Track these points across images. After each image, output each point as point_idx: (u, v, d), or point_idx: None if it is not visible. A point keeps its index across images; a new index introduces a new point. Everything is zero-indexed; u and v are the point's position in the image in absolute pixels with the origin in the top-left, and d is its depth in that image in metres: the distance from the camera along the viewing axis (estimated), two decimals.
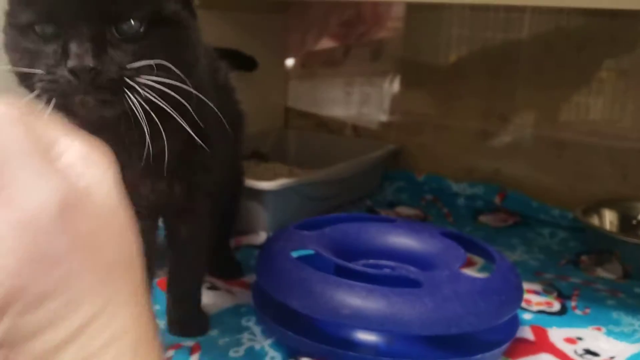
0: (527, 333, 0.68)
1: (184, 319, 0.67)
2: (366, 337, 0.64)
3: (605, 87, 1.06)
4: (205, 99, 0.50)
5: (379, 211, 1.14)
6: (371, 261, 0.75)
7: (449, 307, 0.56)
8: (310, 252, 0.70)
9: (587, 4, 0.92)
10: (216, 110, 0.52)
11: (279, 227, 0.93)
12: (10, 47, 0.45)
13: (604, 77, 1.06)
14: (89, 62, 0.42)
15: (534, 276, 0.86)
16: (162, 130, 0.46)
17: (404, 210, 1.16)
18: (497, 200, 1.14)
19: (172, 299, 0.67)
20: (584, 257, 0.94)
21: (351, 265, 0.65)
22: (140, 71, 0.44)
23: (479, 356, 0.59)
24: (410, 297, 0.57)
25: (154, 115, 0.45)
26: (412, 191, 1.23)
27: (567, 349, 0.65)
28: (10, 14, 0.46)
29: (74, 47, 0.42)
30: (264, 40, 1.31)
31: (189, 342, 0.66)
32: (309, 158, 1.33)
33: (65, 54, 0.42)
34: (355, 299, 0.57)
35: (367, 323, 0.56)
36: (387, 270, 0.74)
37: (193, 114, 0.48)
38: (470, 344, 0.62)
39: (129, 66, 0.44)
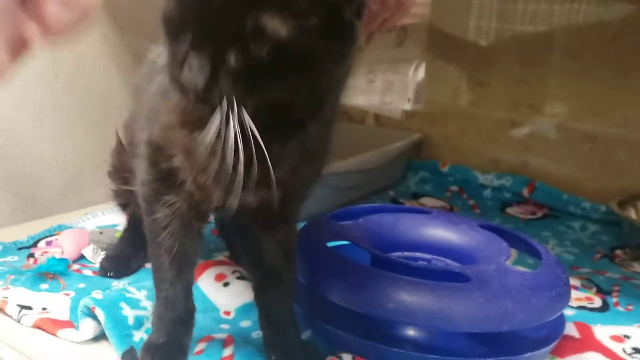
0: (571, 330, 0.66)
1: (287, 349, 0.58)
2: (408, 332, 0.61)
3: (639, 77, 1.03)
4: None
5: (403, 202, 1.12)
6: (406, 253, 0.73)
7: (500, 303, 0.54)
8: (345, 242, 0.68)
9: None
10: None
11: (305, 216, 0.91)
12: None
13: (639, 67, 1.02)
14: (199, 80, 0.42)
15: (570, 270, 0.84)
16: None
17: (428, 201, 1.14)
18: (525, 192, 1.11)
19: (268, 323, 0.59)
20: (618, 252, 0.92)
21: (391, 256, 0.62)
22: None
23: (527, 355, 0.56)
24: (458, 292, 0.54)
25: None
26: (437, 182, 1.21)
27: (615, 347, 0.62)
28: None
29: (192, 59, 0.42)
30: None
31: (221, 335, 0.63)
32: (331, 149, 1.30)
33: (185, 58, 0.43)
34: (401, 293, 0.54)
35: (413, 318, 0.54)
36: (423, 263, 0.72)
37: None
38: (517, 341, 0.59)
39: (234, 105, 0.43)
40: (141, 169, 0.55)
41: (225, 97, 0.42)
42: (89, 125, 0.96)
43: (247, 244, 0.59)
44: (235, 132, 0.42)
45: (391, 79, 1.30)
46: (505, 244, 0.66)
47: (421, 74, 1.28)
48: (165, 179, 0.53)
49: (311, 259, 0.62)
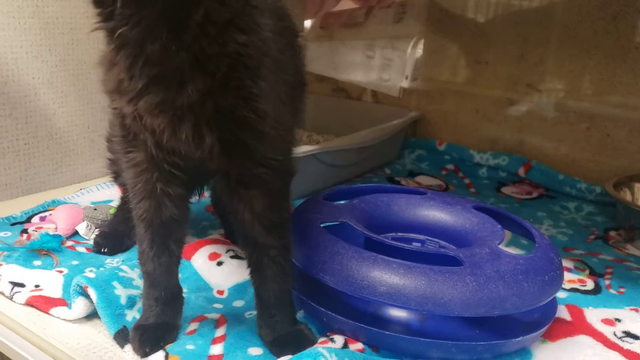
0: (563, 313, 0.66)
1: (278, 332, 0.57)
2: (399, 314, 0.61)
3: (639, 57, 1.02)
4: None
5: (399, 180, 1.12)
6: (400, 234, 0.73)
7: (492, 288, 0.54)
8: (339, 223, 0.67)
9: None
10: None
11: (300, 194, 0.91)
12: None
13: (639, 47, 1.01)
14: None
15: (564, 252, 0.84)
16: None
17: (424, 179, 1.13)
18: (521, 171, 1.11)
19: (260, 304, 0.58)
20: (612, 233, 0.92)
21: (384, 239, 0.62)
22: None
23: (519, 338, 0.56)
24: (451, 276, 0.54)
25: None
26: (433, 160, 1.21)
27: (606, 330, 0.63)
28: None
29: None
30: None
31: (214, 315, 0.64)
32: (327, 123, 1.29)
33: None
34: (393, 277, 0.54)
35: (406, 302, 0.54)
36: (417, 245, 0.72)
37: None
38: (508, 325, 0.59)
39: None
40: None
41: None
42: (83, 99, 0.95)
43: (233, 218, 0.57)
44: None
45: (390, 56, 1.29)
46: (499, 226, 0.66)
47: (420, 51, 1.26)
48: (127, 135, 0.52)
49: (304, 239, 0.62)
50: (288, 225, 0.57)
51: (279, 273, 0.56)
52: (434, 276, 0.54)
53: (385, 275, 0.55)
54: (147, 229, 0.55)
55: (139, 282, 0.66)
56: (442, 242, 0.71)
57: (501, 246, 0.62)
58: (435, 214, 0.72)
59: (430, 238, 0.72)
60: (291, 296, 0.59)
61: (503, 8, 1.14)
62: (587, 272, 0.78)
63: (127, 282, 0.65)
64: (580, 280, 0.76)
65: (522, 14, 1.12)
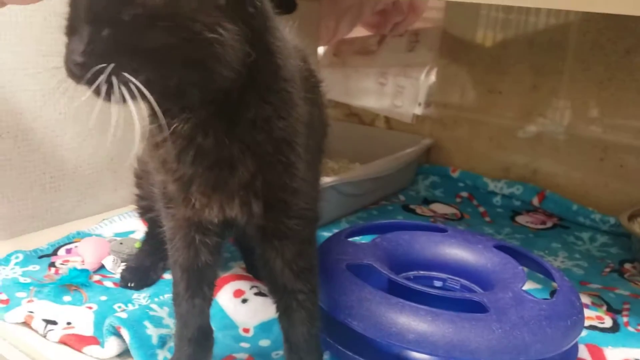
0: (583, 353, 0.67)
1: None
2: (425, 358, 0.63)
3: None
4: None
5: (414, 208, 1.13)
6: (422, 272, 0.74)
7: (517, 335, 0.55)
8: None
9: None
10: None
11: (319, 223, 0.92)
12: None
13: None
14: (76, 56, 0.42)
15: (580, 286, 0.86)
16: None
17: (439, 207, 1.15)
18: (535, 200, 1.13)
19: (289, 348, 0.60)
20: (627, 266, 0.93)
21: (409, 283, 0.64)
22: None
23: None
24: (478, 323, 0.56)
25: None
26: (447, 187, 1.22)
27: None
28: None
29: (70, 41, 0.44)
30: (293, 23, 1.28)
31: (242, 354, 0.65)
32: (341, 149, 1.31)
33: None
34: (421, 324, 0.56)
35: (434, 350, 0.55)
36: (439, 283, 0.74)
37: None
38: None
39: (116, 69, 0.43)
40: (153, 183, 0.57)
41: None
42: (107, 132, 0.97)
43: (260, 262, 0.59)
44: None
45: (402, 83, 1.31)
46: (520, 268, 0.68)
47: (433, 78, 1.28)
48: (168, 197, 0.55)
49: (330, 282, 0.63)
50: (315, 270, 0.60)
51: (307, 317, 0.58)
52: (460, 323, 0.56)
53: (414, 323, 0.56)
54: (183, 273, 0.58)
55: (169, 321, 0.68)
56: (464, 282, 0.72)
57: (524, 289, 0.64)
58: (457, 252, 0.74)
59: (451, 277, 0.73)
60: (319, 339, 0.61)
61: (516, 39, 1.16)
62: (605, 308, 0.79)
63: (157, 322, 0.67)
64: (598, 317, 0.77)
65: (535, 46, 1.14)
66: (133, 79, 0.42)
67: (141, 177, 0.80)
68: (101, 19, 0.42)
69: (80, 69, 0.42)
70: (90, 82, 0.42)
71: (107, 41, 0.41)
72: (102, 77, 0.42)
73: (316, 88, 0.61)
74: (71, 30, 0.43)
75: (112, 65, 0.41)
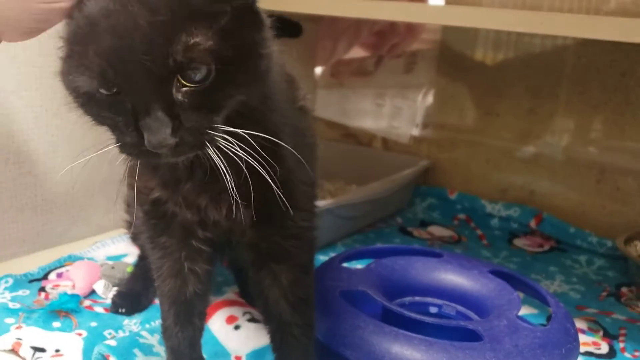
0: None
1: None
2: None
3: None
4: (285, 144, 0.48)
5: (411, 231, 1.13)
6: (418, 298, 0.74)
7: None
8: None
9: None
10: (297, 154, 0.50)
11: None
12: (79, 106, 0.43)
13: None
14: (169, 140, 0.40)
15: (577, 310, 0.85)
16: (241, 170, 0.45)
17: (436, 230, 1.14)
18: (532, 223, 1.12)
19: None
20: (624, 290, 0.92)
21: (403, 311, 0.63)
22: (216, 124, 0.43)
23: None
24: (471, 353, 0.55)
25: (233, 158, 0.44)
26: (444, 209, 1.21)
27: None
28: (65, 79, 0.43)
29: (146, 124, 0.40)
30: (292, 46, 1.29)
31: None
32: (338, 170, 1.31)
33: (138, 128, 0.41)
34: (415, 353, 0.55)
35: None
36: (434, 309, 0.73)
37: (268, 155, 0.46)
38: None
39: (206, 130, 0.42)
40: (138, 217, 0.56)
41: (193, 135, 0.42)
42: (101, 154, 0.96)
43: (255, 290, 0.59)
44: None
45: (400, 105, 1.31)
46: (515, 294, 0.67)
47: (430, 100, 1.28)
48: (158, 222, 0.54)
49: (324, 309, 0.62)
50: (312, 301, 0.59)
51: (302, 352, 0.57)
52: (454, 352, 0.55)
53: (407, 352, 0.55)
54: (171, 306, 0.56)
55: (159, 349, 0.67)
56: (460, 308, 0.72)
57: (518, 315, 0.63)
58: (452, 278, 0.73)
59: (447, 302, 0.73)
60: None
61: (513, 62, 1.16)
62: (601, 333, 0.78)
63: (148, 350, 0.66)
64: (595, 343, 0.76)
65: (532, 68, 1.14)
66: (219, 135, 0.42)
67: (130, 205, 0.79)
68: (170, 90, 0.40)
69: (173, 149, 0.41)
70: (180, 154, 0.42)
71: (191, 115, 0.41)
72: (197, 150, 0.42)
73: (303, 111, 0.61)
74: (123, 106, 0.41)
75: (205, 135, 0.42)
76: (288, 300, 0.56)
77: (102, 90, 0.40)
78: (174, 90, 0.40)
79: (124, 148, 0.43)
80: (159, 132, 0.40)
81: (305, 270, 0.57)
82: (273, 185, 0.48)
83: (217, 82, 0.41)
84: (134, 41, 0.38)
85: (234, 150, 0.43)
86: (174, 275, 0.55)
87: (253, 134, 0.45)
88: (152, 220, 0.54)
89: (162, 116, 0.40)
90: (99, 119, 0.43)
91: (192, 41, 0.39)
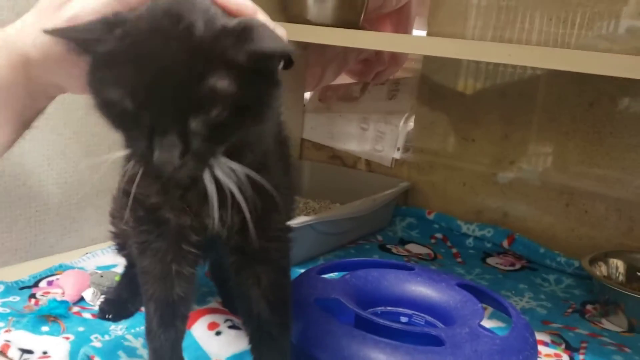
0: None
1: None
2: None
3: (614, 140, 1.09)
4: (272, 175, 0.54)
5: (390, 248, 1.17)
6: (389, 308, 0.78)
7: None
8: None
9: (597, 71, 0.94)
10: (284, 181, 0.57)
11: (295, 261, 0.95)
12: (98, 108, 0.48)
13: (614, 132, 1.09)
14: (174, 161, 0.45)
15: (542, 325, 0.89)
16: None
17: (414, 248, 1.19)
18: (505, 243, 1.17)
19: None
20: (589, 307, 0.97)
21: (373, 317, 0.67)
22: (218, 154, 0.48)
23: None
24: (433, 356, 0.59)
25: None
26: (422, 229, 1.26)
27: None
28: (95, 85, 0.48)
29: (160, 142, 0.45)
30: (283, 72, 1.34)
31: None
32: (323, 190, 1.36)
33: (151, 143, 0.46)
34: (380, 355, 0.59)
35: None
36: (404, 319, 0.77)
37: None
38: None
39: (208, 158, 0.48)
40: (129, 225, 0.61)
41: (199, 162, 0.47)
42: (94, 168, 1.01)
43: (236, 292, 0.62)
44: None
45: (382, 129, 1.36)
46: (479, 305, 0.72)
47: (411, 125, 1.34)
48: (149, 226, 0.58)
49: (300, 315, 0.67)
50: (289, 303, 0.63)
51: (279, 351, 0.61)
52: (417, 355, 0.59)
53: (373, 354, 0.60)
54: (157, 308, 0.60)
55: (143, 352, 0.70)
56: (428, 318, 0.76)
57: (481, 325, 0.68)
58: (422, 290, 0.78)
59: (417, 313, 0.77)
60: None
61: (489, 90, 1.23)
62: (563, 346, 0.83)
63: (131, 352, 0.69)
64: (556, 355, 0.80)
65: (506, 97, 1.20)
66: (227, 163, 0.48)
67: (115, 217, 0.83)
68: (187, 118, 0.45)
69: (175, 169, 0.46)
70: (180, 174, 0.47)
71: (199, 143, 0.46)
72: (196, 173, 0.48)
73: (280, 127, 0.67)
74: (142, 124, 0.46)
75: (206, 163, 0.47)
76: (268, 300, 0.60)
77: (129, 105, 0.45)
78: (191, 119, 0.46)
79: (132, 154, 0.48)
80: (169, 152, 0.45)
81: (284, 273, 0.62)
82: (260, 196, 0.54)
83: (229, 121, 0.47)
84: (171, 71, 0.44)
85: (226, 181, 0.49)
86: (162, 278, 0.59)
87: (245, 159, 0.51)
88: (144, 227, 0.58)
89: (175, 139, 0.45)
90: (117, 125, 0.48)
91: (219, 84, 0.45)
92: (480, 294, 0.76)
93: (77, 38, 0.49)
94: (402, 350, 0.60)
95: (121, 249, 0.84)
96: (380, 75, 1.48)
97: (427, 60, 1.30)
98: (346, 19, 1.10)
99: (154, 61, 0.45)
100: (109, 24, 0.47)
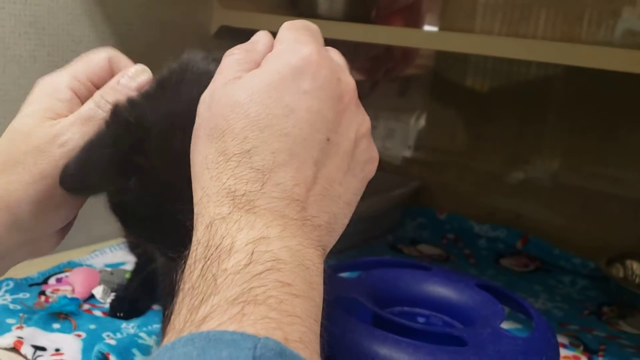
0: None
1: None
2: None
3: (630, 140, 1.08)
4: None
5: (402, 248, 1.16)
6: (406, 308, 0.76)
7: None
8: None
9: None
10: None
11: None
12: None
13: (630, 131, 1.08)
14: None
15: (560, 327, 0.88)
16: None
17: (426, 248, 1.17)
18: (519, 244, 1.15)
19: None
20: (605, 309, 0.95)
21: (394, 317, 0.66)
22: None
23: None
24: (456, 356, 0.58)
25: None
26: (434, 229, 1.25)
27: None
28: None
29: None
30: None
31: None
32: None
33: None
34: (402, 355, 0.58)
35: None
36: (422, 319, 0.76)
37: None
38: None
39: None
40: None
41: None
42: None
43: None
44: None
45: (393, 126, 1.35)
46: (500, 306, 0.70)
47: (422, 123, 1.33)
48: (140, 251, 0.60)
49: None
50: None
51: None
52: (440, 356, 0.58)
53: (395, 354, 0.58)
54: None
55: None
56: (446, 318, 0.74)
57: (502, 326, 0.66)
58: (440, 290, 0.76)
59: (434, 313, 0.75)
60: None
61: (503, 87, 1.21)
62: (582, 348, 0.82)
63: (146, 350, 0.68)
64: (575, 357, 0.79)
65: (520, 95, 1.19)
66: None
67: None
68: None
69: None
70: None
71: None
72: None
73: None
74: None
75: None
76: None
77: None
78: None
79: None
80: None
81: None
82: None
83: None
84: None
85: None
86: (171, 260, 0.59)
87: None
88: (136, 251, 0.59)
89: None
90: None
91: None
92: (499, 295, 0.74)
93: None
94: (424, 350, 0.58)
95: (134, 247, 0.83)
96: (390, 72, 1.46)
97: (440, 57, 1.29)
98: (357, 14, 1.09)
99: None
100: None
